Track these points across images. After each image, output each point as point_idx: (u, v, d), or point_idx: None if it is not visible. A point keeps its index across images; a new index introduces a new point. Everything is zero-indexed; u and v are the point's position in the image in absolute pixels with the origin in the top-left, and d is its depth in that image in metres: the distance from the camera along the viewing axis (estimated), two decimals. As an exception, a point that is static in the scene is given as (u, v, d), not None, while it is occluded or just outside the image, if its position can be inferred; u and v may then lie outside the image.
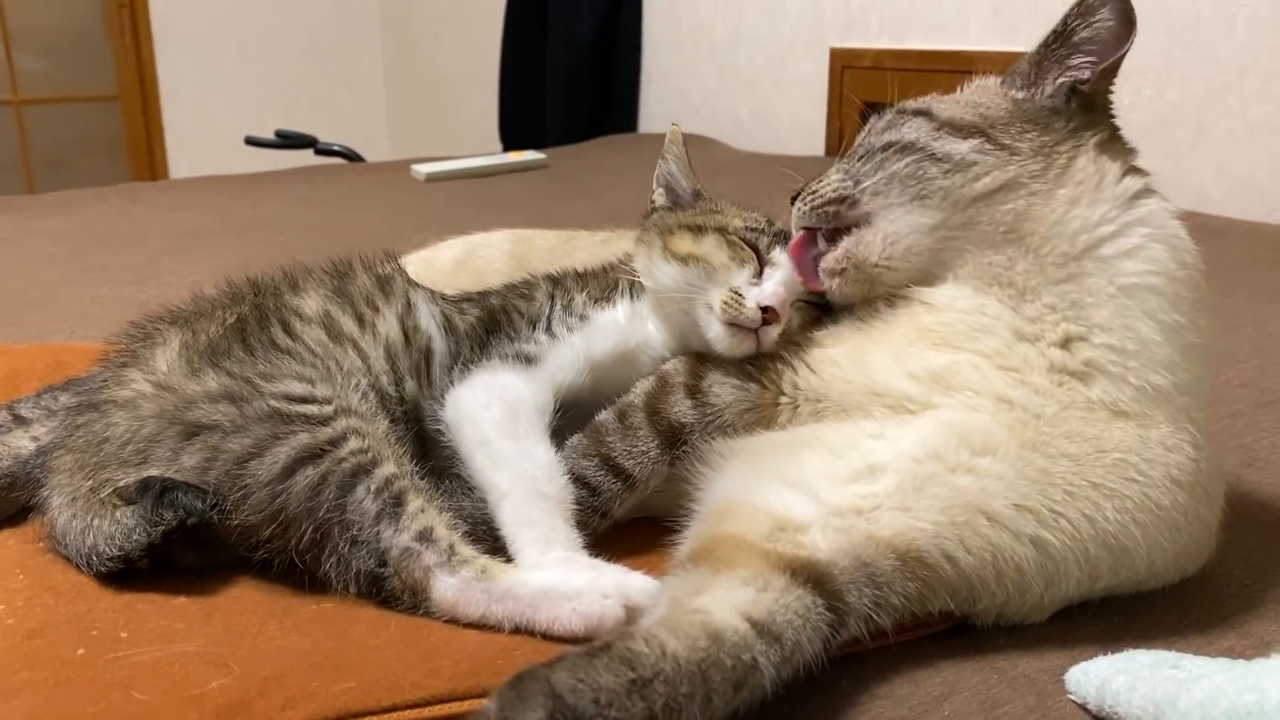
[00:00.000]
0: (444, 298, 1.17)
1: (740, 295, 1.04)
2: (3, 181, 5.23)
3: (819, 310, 1.11)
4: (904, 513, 0.89)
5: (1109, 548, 0.90)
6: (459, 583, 0.88)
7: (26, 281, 2.08)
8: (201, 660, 0.81)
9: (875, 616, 0.85)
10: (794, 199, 1.10)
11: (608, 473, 1.02)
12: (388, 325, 1.08)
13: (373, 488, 0.91)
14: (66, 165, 5.49)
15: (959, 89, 1.10)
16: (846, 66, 3.38)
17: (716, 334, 1.05)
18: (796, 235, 1.09)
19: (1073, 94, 1.01)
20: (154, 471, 0.94)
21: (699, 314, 1.07)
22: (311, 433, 0.93)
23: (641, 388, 1.08)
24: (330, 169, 3.55)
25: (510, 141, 4.67)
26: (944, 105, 1.05)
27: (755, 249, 1.08)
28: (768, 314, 1.03)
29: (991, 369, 0.95)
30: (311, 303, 1.09)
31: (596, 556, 0.95)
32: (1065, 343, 0.94)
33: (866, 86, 3.23)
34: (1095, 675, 0.80)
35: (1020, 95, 1.03)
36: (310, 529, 0.91)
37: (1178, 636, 0.92)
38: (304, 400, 0.96)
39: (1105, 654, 0.84)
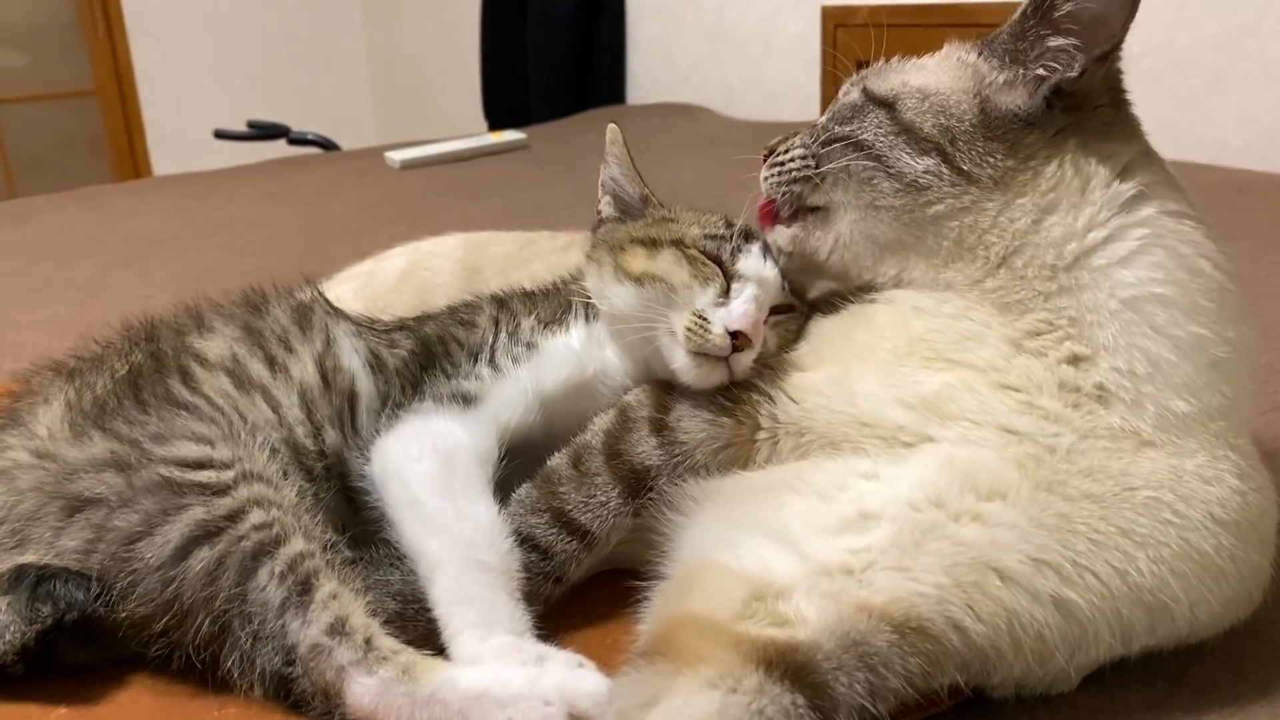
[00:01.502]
0: (373, 329, 1.02)
1: (705, 320, 0.90)
2: (-19, 185, 5.11)
3: (798, 323, 0.97)
4: (901, 573, 0.76)
5: (1144, 605, 0.77)
6: (377, 684, 0.75)
7: (-43, 306, 1.93)
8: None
9: (869, 706, 0.72)
10: (766, 157, 1.02)
11: (560, 530, 0.89)
12: (302, 367, 0.94)
13: (277, 571, 0.78)
14: (47, 165, 5.34)
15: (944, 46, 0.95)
16: (839, 25, 3.21)
17: (682, 364, 0.91)
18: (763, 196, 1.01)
19: (1056, 96, 0.85)
20: (30, 557, 0.82)
21: (661, 341, 0.93)
22: (207, 506, 0.80)
23: (599, 425, 0.94)
24: (303, 160, 3.40)
25: (495, 121, 4.50)
26: (910, 101, 0.91)
27: (719, 262, 0.94)
28: (738, 339, 0.89)
29: (989, 389, 0.83)
30: (216, 345, 0.95)
31: (548, 626, 0.83)
32: (1074, 361, 0.81)
33: (861, 45, 3.05)
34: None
35: (1001, 79, 0.88)
36: (207, 621, 0.78)
37: (1234, 705, 0.78)
38: (199, 465, 0.83)
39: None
